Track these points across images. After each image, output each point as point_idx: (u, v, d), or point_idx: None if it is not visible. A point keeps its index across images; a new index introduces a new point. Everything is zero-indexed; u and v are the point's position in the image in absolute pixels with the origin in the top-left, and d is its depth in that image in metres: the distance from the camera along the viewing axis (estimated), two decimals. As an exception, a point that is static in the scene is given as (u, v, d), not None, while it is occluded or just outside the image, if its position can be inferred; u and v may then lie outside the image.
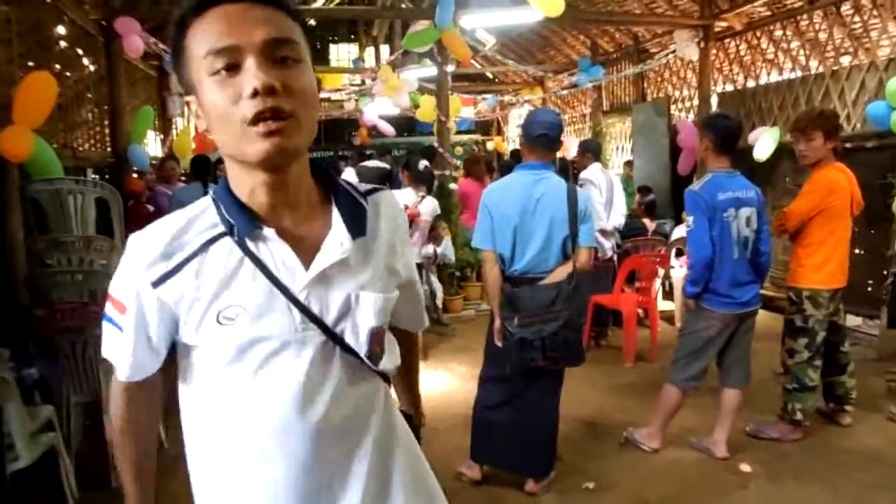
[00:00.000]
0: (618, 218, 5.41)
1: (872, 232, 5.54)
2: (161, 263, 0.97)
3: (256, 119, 0.88)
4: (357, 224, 1.03)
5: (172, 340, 1.04)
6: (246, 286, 0.97)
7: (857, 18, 6.04)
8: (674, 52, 7.97)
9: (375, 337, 1.04)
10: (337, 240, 1.00)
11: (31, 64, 5.03)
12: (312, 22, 15.27)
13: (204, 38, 0.90)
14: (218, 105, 0.90)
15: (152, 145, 8.98)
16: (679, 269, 5.83)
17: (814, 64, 6.59)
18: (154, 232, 1.00)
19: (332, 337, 1.00)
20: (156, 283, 0.97)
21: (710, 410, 3.59)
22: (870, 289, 5.53)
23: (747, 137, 6.49)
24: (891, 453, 3.52)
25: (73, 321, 3.20)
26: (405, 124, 12.11)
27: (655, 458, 3.50)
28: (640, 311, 5.71)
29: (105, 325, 1.04)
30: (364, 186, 1.11)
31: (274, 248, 0.98)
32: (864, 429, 3.80)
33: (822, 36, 6.43)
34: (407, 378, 1.41)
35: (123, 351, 1.03)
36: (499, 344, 2.93)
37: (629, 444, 3.61)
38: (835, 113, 3.83)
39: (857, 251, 5.29)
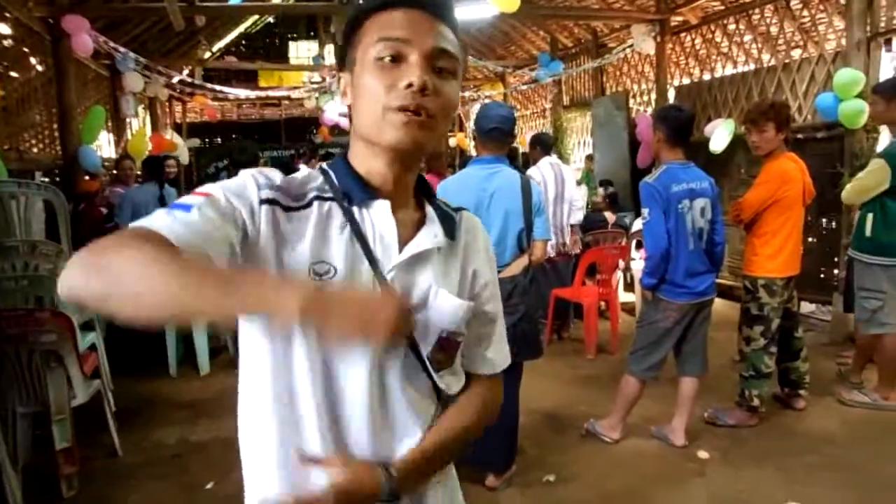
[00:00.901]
0: (576, 214, 5.40)
1: (824, 220, 5.67)
2: (276, 192, 0.96)
3: (401, 109, 0.92)
4: (449, 228, 1.06)
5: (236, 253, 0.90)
6: (342, 250, 0.96)
7: (805, 13, 6.17)
8: (631, 46, 8.06)
9: (444, 342, 1.01)
10: (432, 231, 1.03)
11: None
12: (271, 19, 15.07)
13: (382, 25, 0.95)
14: (372, 87, 0.94)
15: (106, 146, 8.77)
16: (639, 261, 5.89)
17: (766, 57, 6.72)
18: (272, 171, 1.00)
19: None
20: (264, 202, 0.94)
21: (670, 399, 3.63)
22: (822, 276, 5.66)
23: (703, 130, 6.59)
24: (841, 435, 3.61)
25: (18, 328, 3.09)
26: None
27: (616, 449, 3.52)
28: (601, 303, 5.76)
29: (159, 213, 0.85)
30: (454, 205, 1.13)
31: (378, 222, 0.99)
32: (817, 412, 3.89)
33: (774, 30, 6.56)
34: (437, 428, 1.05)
35: (178, 219, 0.84)
36: (456, 339, 2.91)
37: (590, 435, 3.63)
38: (785, 104, 3.91)
39: (809, 239, 5.42)
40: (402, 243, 1.00)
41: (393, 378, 0.98)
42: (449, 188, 3.03)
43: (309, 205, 0.98)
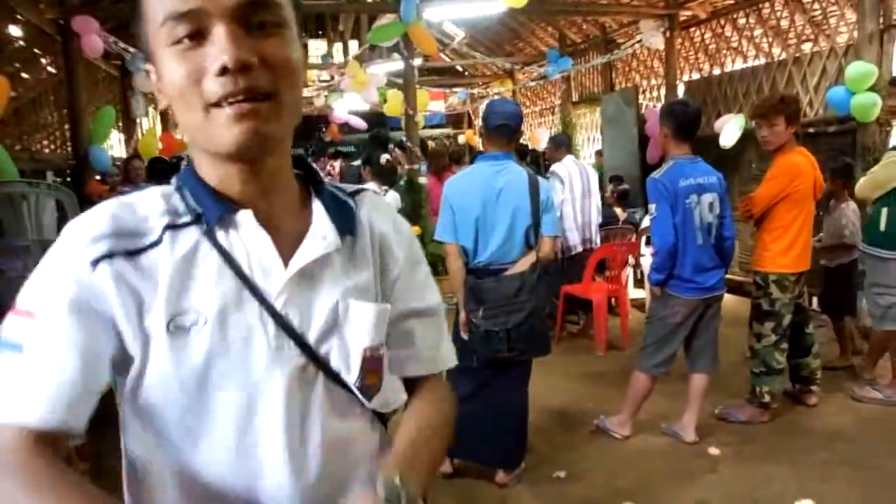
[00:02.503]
0: (599, 214, 5.51)
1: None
2: (108, 241, 0.74)
3: (225, 100, 0.71)
4: (343, 222, 0.85)
5: (106, 378, 0.76)
6: (209, 286, 0.76)
7: (816, 6, 6.11)
8: (640, 41, 8.01)
9: (370, 362, 0.83)
10: (319, 232, 0.82)
11: (-16, 65, 4.91)
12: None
13: None
14: (178, 82, 0.72)
15: (116, 146, 8.82)
16: (650, 257, 5.85)
17: (777, 51, 6.66)
18: (103, 208, 0.78)
19: (314, 359, 0.80)
20: (97, 261, 0.73)
21: (680, 396, 3.61)
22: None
23: (713, 125, 6.55)
24: (853, 430, 3.58)
25: (30, 327, 3.11)
26: (376, 119, 12.04)
27: (626, 446, 3.51)
28: (611, 299, 5.74)
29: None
30: (350, 187, 0.94)
31: (248, 240, 0.79)
32: (829, 408, 3.86)
33: (784, 23, 6.50)
34: (417, 436, 0.87)
35: (22, 381, 0.70)
36: (464, 336, 2.91)
37: (600, 432, 3.62)
38: (795, 98, 3.87)
39: (820, 235, 5.36)
40: (287, 257, 0.80)
41: (315, 425, 0.81)
42: (456, 185, 3.03)
43: (159, 240, 0.77)
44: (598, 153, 9.24)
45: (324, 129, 13.38)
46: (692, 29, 7.87)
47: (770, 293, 3.60)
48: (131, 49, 7.43)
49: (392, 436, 0.89)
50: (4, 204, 3.51)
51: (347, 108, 11.13)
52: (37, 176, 5.13)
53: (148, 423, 0.79)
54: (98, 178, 6.60)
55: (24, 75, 5.90)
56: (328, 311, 0.82)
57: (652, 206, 3.33)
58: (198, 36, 0.72)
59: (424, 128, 11.47)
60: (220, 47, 0.70)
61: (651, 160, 7.36)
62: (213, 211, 0.79)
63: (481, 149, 9.57)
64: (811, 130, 5.56)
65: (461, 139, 13.60)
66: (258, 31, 0.73)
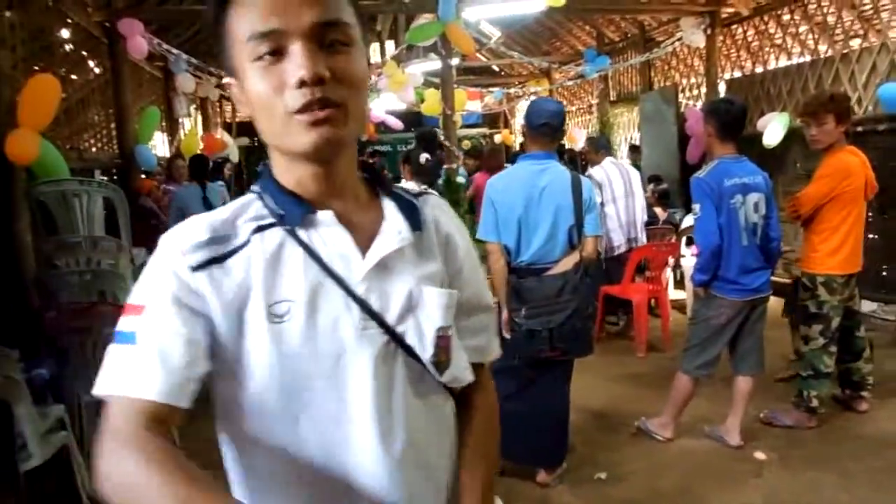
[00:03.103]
0: (644, 212, 5.45)
1: (886, 216, 5.46)
2: (204, 250, 0.84)
3: (302, 110, 0.81)
4: (412, 219, 0.94)
5: (205, 368, 0.83)
6: (297, 278, 0.85)
7: (867, 0, 5.95)
8: (680, 39, 7.90)
9: (442, 340, 0.91)
10: (394, 227, 0.91)
11: (36, 68, 5.06)
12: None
13: (246, 19, 0.82)
14: (261, 94, 0.82)
15: (160, 146, 9.02)
16: (690, 258, 5.78)
17: (823, 48, 6.50)
18: (195, 222, 0.87)
19: (394, 337, 0.89)
20: (196, 268, 0.83)
21: (724, 399, 3.55)
22: (885, 273, 5.45)
23: (756, 124, 6.42)
24: (908, 439, 3.47)
25: (82, 321, 3.21)
26: (412, 119, 12.09)
27: (668, 448, 3.47)
28: (651, 300, 5.68)
29: (109, 349, 0.82)
30: (414, 189, 1.07)
31: (329, 236, 0.88)
32: (881, 414, 3.75)
33: (831, 19, 6.34)
34: (474, 459, 0.99)
35: (135, 365, 0.79)
36: (507, 336, 2.91)
37: (642, 433, 3.58)
38: (845, 95, 3.78)
39: (871, 236, 5.22)
40: (365, 249, 0.89)
41: (398, 396, 0.89)
42: (497, 185, 3.03)
43: (248, 241, 0.87)
44: (632, 148, 9.07)
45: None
46: (734, 26, 7.73)
47: (818, 295, 3.52)
48: (174, 50, 7.60)
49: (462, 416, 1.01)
50: (58, 201, 3.62)
51: (384, 107, 11.19)
52: (85, 174, 5.26)
53: (250, 406, 0.86)
54: (143, 176, 6.76)
55: (72, 77, 6.06)
56: (404, 296, 0.90)
57: (695, 206, 3.28)
58: (277, 53, 0.81)
59: (461, 127, 11.47)
60: (297, 63, 0.80)
61: (691, 160, 7.25)
62: (295, 212, 0.88)
63: (517, 148, 9.54)
64: (860, 129, 5.41)
65: (497, 138, 13.58)
66: (329, 48, 0.83)
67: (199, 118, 11.40)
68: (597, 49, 9.94)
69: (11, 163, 3.64)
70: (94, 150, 6.42)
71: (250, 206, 0.91)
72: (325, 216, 0.88)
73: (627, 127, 10.56)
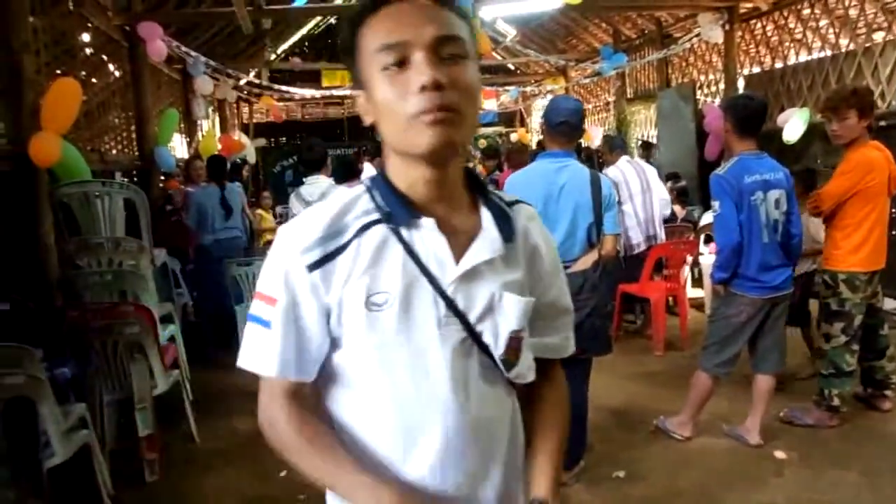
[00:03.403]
0: (665, 207, 5.40)
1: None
2: (319, 248, 0.97)
3: (424, 112, 0.90)
4: (505, 229, 1.03)
5: (325, 349, 1.00)
6: (395, 273, 0.96)
7: (889, -8, 5.87)
8: (698, 35, 7.83)
9: (514, 341, 1.02)
10: (489, 238, 1.01)
11: (58, 72, 5.13)
12: (333, 20, 15.33)
13: (376, 34, 0.94)
14: (388, 99, 0.92)
15: (178, 147, 9.11)
16: (708, 256, 5.73)
17: (844, 42, 6.41)
18: (310, 218, 1.00)
19: (472, 334, 1.00)
20: (312, 267, 0.96)
21: (743, 397, 3.53)
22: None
23: (776, 119, 6.35)
24: (933, 438, 3.42)
25: (104, 321, 3.25)
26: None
27: (688, 447, 3.44)
28: (669, 298, 5.64)
29: (249, 327, 1.00)
30: (509, 197, 1.11)
31: (428, 239, 0.98)
32: (905, 414, 3.70)
33: (853, 12, 6.25)
34: (544, 443, 1.10)
35: (271, 348, 0.98)
36: (525, 334, 2.90)
37: (660, 432, 3.56)
38: (868, 90, 3.72)
39: (894, 232, 5.14)
40: (459, 254, 0.99)
41: (472, 385, 1.00)
42: (517, 182, 3.02)
43: (356, 235, 0.98)
44: (644, 146, 8.89)
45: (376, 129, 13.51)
46: (753, 21, 7.65)
47: (839, 293, 3.47)
48: (193, 53, 7.68)
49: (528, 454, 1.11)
50: (80, 203, 3.67)
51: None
52: (105, 176, 5.33)
53: (353, 383, 1.01)
54: (162, 177, 6.84)
55: (93, 80, 6.14)
56: (486, 299, 1.00)
57: (715, 204, 3.25)
58: (402, 63, 0.92)
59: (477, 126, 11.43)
60: (419, 70, 0.91)
61: (709, 157, 7.18)
62: (402, 213, 0.99)
63: (533, 147, 9.53)
64: (883, 123, 5.33)
65: (513, 137, 13.55)
66: (448, 61, 0.93)
67: (217, 120, 11.50)
68: (613, 46, 9.88)
69: (35, 165, 3.70)
70: (114, 151, 6.49)
71: (359, 201, 1.02)
72: (427, 223, 0.98)
73: (644, 124, 10.49)
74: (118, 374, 3.31)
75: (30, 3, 4.11)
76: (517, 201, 1.11)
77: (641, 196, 5.18)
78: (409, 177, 0.99)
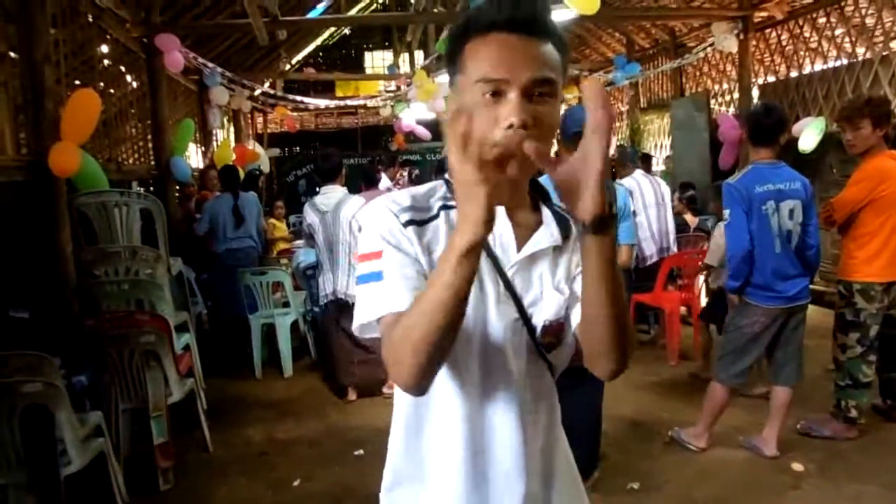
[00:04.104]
0: (673, 223, 5.40)
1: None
2: (411, 212, 1.07)
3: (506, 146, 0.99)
4: (564, 227, 1.13)
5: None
6: None
7: (905, 1, 5.83)
8: (712, 45, 7.82)
9: (550, 328, 1.11)
10: (549, 231, 1.12)
11: (77, 83, 5.21)
12: (347, 31, 15.45)
13: (480, 62, 1.02)
14: (480, 123, 0.98)
15: (194, 157, 9.20)
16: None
17: (860, 50, 6.38)
18: (398, 195, 1.12)
19: (523, 315, 1.10)
20: (407, 224, 1.06)
21: (760, 408, 3.50)
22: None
23: (791, 129, 6.31)
24: (954, 451, 3.37)
25: (121, 329, 3.28)
26: (441, 129, 12.13)
27: (702, 458, 3.41)
28: (683, 308, 5.60)
29: (360, 289, 1.06)
30: (564, 205, 1.17)
31: (497, 225, 1.02)
32: (925, 426, 3.65)
33: (870, 21, 6.22)
34: None
35: (391, 291, 1.02)
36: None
37: (674, 443, 3.53)
38: (884, 99, 3.70)
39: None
40: (521, 243, 1.09)
41: (522, 358, 1.11)
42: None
43: (437, 215, 1.10)
44: (643, 158, 8.79)
45: (390, 139, 13.59)
46: (767, 30, 7.63)
47: (854, 303, 3.44)
48: (209, 64, 7.77)
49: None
50: (98, 212, 3.71)
51: (414, 117, 11.26)
52: (122, 186, 5.39)
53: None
54: (178, 187, 6.90)
55: (110, 91, 6.22)
56: (539, 288, 1.11)
57: (726, 212, 3.25)
58: (496, 94, 1.00)
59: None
60: (510, 109, 0.98)
61: (723, 166, 7.16)
62: None
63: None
64: (900, 133, 5.29)
65: (525, 147, 13.52)
66: (538, 97, 1.01)
67: (232, 130, 11.60)
68: (627, 56, 9.88)
69: (54, 175, 3.75)
70: (131, 161, 6.57)
71: (439, 189, 1.14)
72: (498, 210, 1.01)
73: (658, 134, 10.46)
74: (134, 382, 3.33)
75: (51, 15, 4.18)
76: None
77: (656, 209, 5.17)
78: None
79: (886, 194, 3.36)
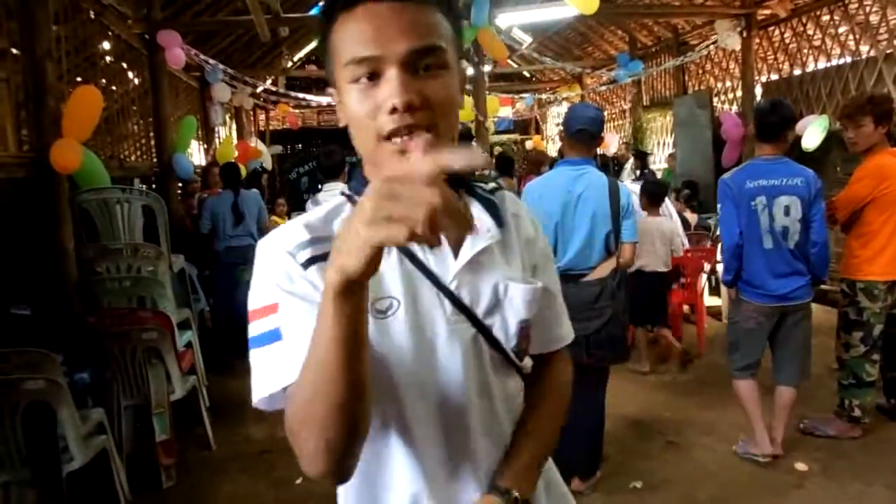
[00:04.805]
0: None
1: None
2: (310, 248, 0.89)
3: (392, 135, 0.84)
4: (496, 216, 0.99)
5: None
6: (397, 276, 0.91)
7: (910, -2, 5.81)
8: (715, 42, 7.80)
9: (524, 331, 0.98)
10: (483, 226, 0.96)
11: (79, 79, 5.20)
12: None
13: (348, 41, 0.86)
14: (357, 113, 0.87)
15: (196, 154, 9.19)
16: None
17: (864, 48, 6.35)
18: (293, 226, 0.93)
19: (482, 330, 0.95)
20: (307, 264, 0.88)
21: (765, 408, 3.47)
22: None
23: (794, 127, 6.30)
24: (958, 451, 3.35)
25: (123, 326, 3.28)
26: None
27: (705, 457, 3.40)
28: (686, 307, 5.59)
29: (253, 354, 0.88)
30: (488, 185, 1.05)
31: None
32: (929, 426, 3.63)
33: (874, 18, 6.19)
34: (523, 429, 1.02)
35: (290, 355, 0.83)
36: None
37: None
38: (886, 97, 3.67)
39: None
40: (456, 248, 0.92)
41: (484, 380, 0.96)
42: (535, 190, 3.02)
43: None
44: (637, 155, 8.78)
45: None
46: (771, 28, 7.60)
47: (857, 302, 3.43)
48: (211, 61, 7.75)
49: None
50: (100, 209, 3.71)
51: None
52: (124, 183, 5.39)
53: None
54: (180, 184, 6.89)
55: (112, 87, 6.22)
56: (491, 292, 0.95)
57: (719, 206, 3.32)
58: (374, 77, 0.85)
59: (493, 134, 11.47)
60: (390, 90, 0.83)
61: (726, 164, 7.15)
62: None
63: (550, 154, 9.48)
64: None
65: (528, 144, 13.54)
66: (424, 72, 0.85)
67: (234, 127, 11.59)
68: (630, 53, 9.86)
69: (56, 172, 3.74)
70: (133, 158, 6.57)
71: (342, 209, 0.97)
72: None
73: (660, 131, 10.44)
74: (136, 379, 3.33)
75: (53, 12, 4.17)
76: (497, 188, 1.06)
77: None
78: None
79: (889, 192, 3.35)
